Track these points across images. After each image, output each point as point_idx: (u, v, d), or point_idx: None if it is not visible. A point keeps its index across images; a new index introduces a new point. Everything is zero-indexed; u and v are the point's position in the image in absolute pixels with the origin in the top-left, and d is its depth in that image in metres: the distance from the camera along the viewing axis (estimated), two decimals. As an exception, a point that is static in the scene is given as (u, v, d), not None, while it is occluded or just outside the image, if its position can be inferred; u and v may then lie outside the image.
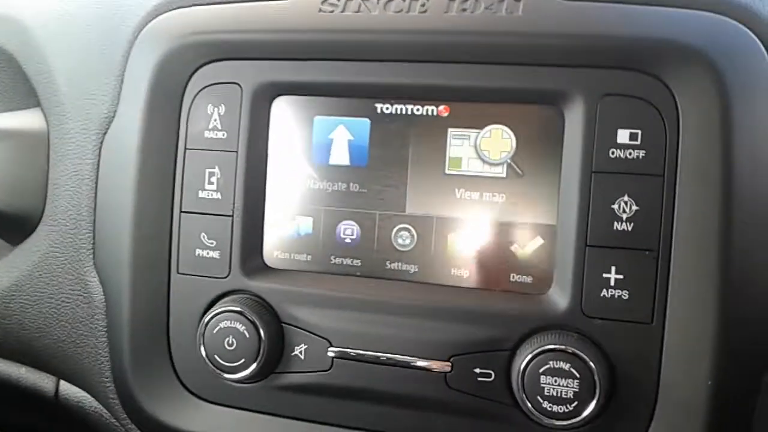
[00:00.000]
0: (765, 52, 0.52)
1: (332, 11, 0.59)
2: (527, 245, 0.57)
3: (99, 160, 0.67)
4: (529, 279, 0.57)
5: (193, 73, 0.63)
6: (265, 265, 0.63)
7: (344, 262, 0.61)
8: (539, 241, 0.57)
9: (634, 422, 0.54)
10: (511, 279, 0.57)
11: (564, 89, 0.54)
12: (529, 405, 0.53)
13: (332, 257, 0.61)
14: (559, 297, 0.55)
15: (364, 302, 0.59)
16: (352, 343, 0.59)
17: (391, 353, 0.58)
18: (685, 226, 0.52)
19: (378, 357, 0.58)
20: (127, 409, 0.67)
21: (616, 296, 0.53)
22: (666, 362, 0.53)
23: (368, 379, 0.58)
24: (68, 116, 0.69)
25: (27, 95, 0.74)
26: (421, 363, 0.57)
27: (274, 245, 0.63)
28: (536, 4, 0.55)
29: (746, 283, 0.51)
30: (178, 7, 0.63)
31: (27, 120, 0.73)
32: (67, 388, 0.75)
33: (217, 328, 0.60)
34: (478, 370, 0.56)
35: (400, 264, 0.60)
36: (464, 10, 0.56)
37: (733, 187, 0.51)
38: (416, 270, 0.60)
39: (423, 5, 0.57)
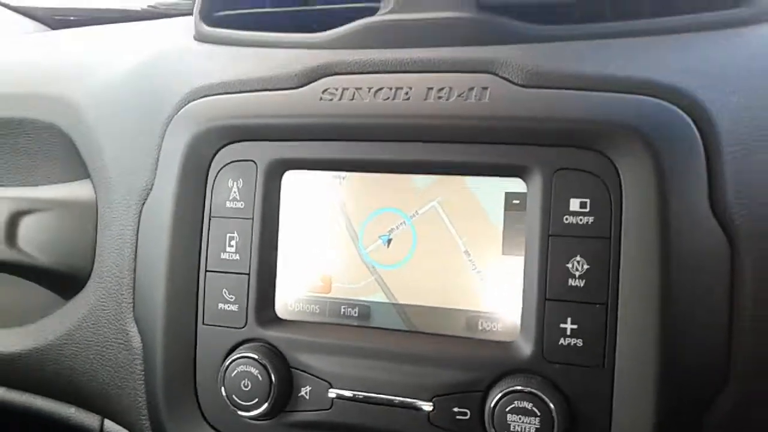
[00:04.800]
0: (696, 130, 0.58)
1: (331, 99, 0.66)
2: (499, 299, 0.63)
3: (138, 226, 0.73)
4: (499, 328, 0.63)
5: (217, 152, 0.70)
6: (277, 316, 0.69)
7: (345, 313, 0.68)
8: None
9: None
10: (486, 329, 0.63)
11: (525, 164, 0.61)
12: (498, 439, 0.59)
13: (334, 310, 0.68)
14: (525, 344, 0.60)
15: (361, 349, 0.64)
16: (349, 385, 0.64)
17: (382, 394, 0.63)
18: (629, 282, 0.57)
19: (371, 397, 0.63)
20: (161, 443, 0.73)
21: (572, 344, 0.58)
22: (617, 402, 0.57)
23: (363, 416, 0.64)
24: (113, 188, 0.75)
25: (78, 168, 0.81)
26: (407, 402, 0.62)
27: (285, 299, 0.69)
28: (500, 91, 0.62)
29: (684, 332, 0.56)
30: (205, 96, 0.71)
31: (78, 190, 0.79)
32: (111, 426, 0.81)
33: (235, 371, 0.65)
34: (456, 409, 0.61)
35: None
36: (440, 97, 0.63)
37: (670, 248, 0.56)
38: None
39: (406, 93, 0.64)
